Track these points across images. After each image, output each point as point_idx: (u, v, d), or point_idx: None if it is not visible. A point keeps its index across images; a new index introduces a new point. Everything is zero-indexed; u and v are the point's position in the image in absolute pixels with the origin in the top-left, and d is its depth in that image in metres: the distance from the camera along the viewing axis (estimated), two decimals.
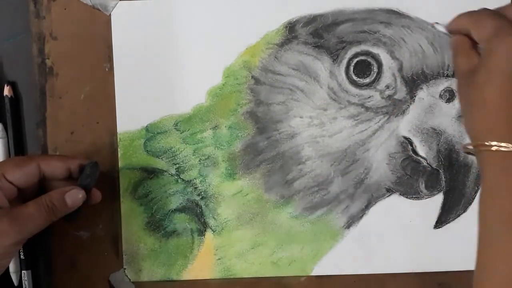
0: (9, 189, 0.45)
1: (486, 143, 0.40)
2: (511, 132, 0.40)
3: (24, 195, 0.47)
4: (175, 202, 0.52)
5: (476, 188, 0.51)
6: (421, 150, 0.51)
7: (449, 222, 0.52)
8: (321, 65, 0.51)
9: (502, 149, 0.40)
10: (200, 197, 0.52)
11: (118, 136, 0.52)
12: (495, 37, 0.41)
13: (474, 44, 0.44)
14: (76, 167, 0.48)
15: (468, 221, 0.51)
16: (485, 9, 0.44)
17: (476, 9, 0.50)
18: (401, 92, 0.51)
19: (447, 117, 0.51)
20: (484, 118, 0.41)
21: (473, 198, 0.51)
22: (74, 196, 0.46)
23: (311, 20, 0.51)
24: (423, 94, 0.51)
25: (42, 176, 0.47)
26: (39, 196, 0.46)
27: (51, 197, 0.46)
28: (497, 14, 0.43)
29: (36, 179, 0.47)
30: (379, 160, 0.51)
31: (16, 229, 0.43)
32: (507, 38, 0.40)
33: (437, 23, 0.47)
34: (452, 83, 0.51)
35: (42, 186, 0.48)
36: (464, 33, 0.44)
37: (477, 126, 0.42)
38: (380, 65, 0.51)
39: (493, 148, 0.40)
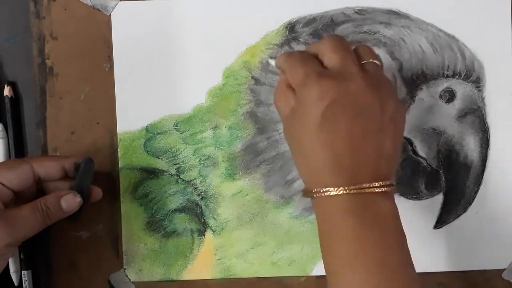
0: (2, 191, 0.45)
1: (312, 190, 0.41)
2: (331, 177, 0.41)
3: (22, 199, 0.47)
4: (175, 202, 0.52)
5: (476, 189, 0.51)
6: (421, 150, 0.51)
7: (449, 223, 0.52)
8: None
9: (326, 194, 0.40)
10: (200, 197, 0.52)
11: (118, 136, 0.52)
12: (303, 87, 0.42)
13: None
14: (70, 166, 0.47)
15: (468, 222, 0.52)
16: (298, 54, 0.44)
17: (468, 9, 0.51)
18: (401, 93, 0.51)
19: (447, 118, 0.51)
20: (304, 165, 0.43)
21: (473, 199, 0.51)
22: (70, 201, 0.46)
23: (311, 20, 0.51)
24: (423, 95, 0.51)
25: (38, 178, 0.47)
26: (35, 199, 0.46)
27: (46, 200, 0.45)
28: (306, 59, 0.43)
29: (31, 181, 0.46)
30: None
31: (8, 231, 0.43)
32: (312, 87, 0.41)
33: (271, 57, 0.50)
34: (452, 84, 0.51)
35: (40, 189, 0.48)
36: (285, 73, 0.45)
37: (302, 173, 0.43)
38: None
39: (317, 195, 0.41)
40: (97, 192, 0.49)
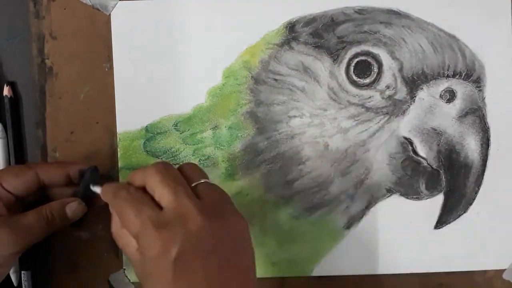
0: (7, 198, 0.45)
1: None
2: None
3: (25, 204, 0.47)
4: None
5: (477, 189, 0.51)
6: (422, 150, 0.51)
7: (449, 223, 0.52)
8: (321, 65, 0.51)
9: None
10: None
11: (118, 136, 0.52)
12: (142, 240, 0.39)
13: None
14: (75, 173, 0.47)
15: (469, 222, 0.51)
16: (125, 193, 0.41)
17: (469, 8, 0.51)
18: (402, 92, 0.51)
19: (448, 118, 0.51)
20: None
21: (474, 199, 0.51)
22: (75, 208, 0.46)
23: (311, 20, 0.51)
24: (424, 94, 0.51)
25: (42, 184, 0.47)
26: (39, 205, 0.46)
27: (52, 208, 0.45)
28: (136, 202, 0.40)
29: (36, 187, 0.46)
30: (380, 161, 0.51)
31: (14, 239, 0.43)
32: (153, 243, 0.38)
33: (93, 184, 0.46)
34: (453, 83, 0.50)
35: (43, 194, 0.48)
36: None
37: None
38: (380, 65, 0.51)
39: None
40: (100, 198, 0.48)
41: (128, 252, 0.41)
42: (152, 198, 0.41)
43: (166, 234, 0.38)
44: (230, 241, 0.40)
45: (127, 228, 0.40)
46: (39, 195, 0.48)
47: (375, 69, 0.51)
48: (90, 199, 0.47)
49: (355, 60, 0.51)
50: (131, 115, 0.52)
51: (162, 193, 0.40)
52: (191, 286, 0.38)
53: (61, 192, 0.48)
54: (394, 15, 0.51)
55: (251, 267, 0.41)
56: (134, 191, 0.41)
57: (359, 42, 0.51)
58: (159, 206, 0.40)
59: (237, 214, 0.42)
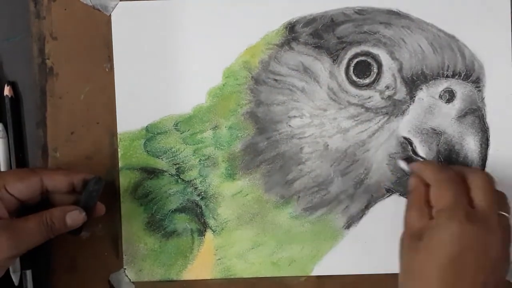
0: (9, 201, 0.45)
1: None
2: None
3: (24, 206, 0.47)
4: (175, 202, 0.52)
5: None
6: (421, 150, 0.51)
7: None
8: (321, 66, 0.51)
9: None
10: (200, 197, 0.52)
11: (118, 136, 0.52)
12: (446, 216, 0.43)
13: (428, 198, 0.45)
14: (79, 182, 0.48)
15: None
16: (450, 173, 0.45)
17: (469, 9, 0.51)
18: (401, 93, 0.51)
19: (447, 118, 0.51)
20: None
21: None
22: (75, 217, 0.46)
23: (311, 20, 0.51)
24: (423, 95, 0.51)
25: (45, 190, 0.47)
26: (39, 210, 0.46)
27: (52, 215, 0.45)
28: (459, 188, 0.44)
29: (38, 192, 0.47)
30: (379, 161, 0.51)
31: (13, 244, 0.43)
32: (455, 225, 0.42)
33: (402, 159, 0.50)
34: (452, 84, 0.51)
35: (44, 197, 0.48)
36: (425, 183, 0.46)
37: None
38: (380, 65, 0.51)
39: None
40: (101, 208, 0.49)
41: (412, 225, 0.45)
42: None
43: (470, 227, 0.42)
44: (501, 271, 0.43)
45: (438, 200, 0.44)
46: (40, 199, 0.48)
47: (375, 70, 0.51)
48: (90, 208, 0.47)
49: (355, 61, 0.51)
50: (131, 115, 0.52)
51: (482, 197, 0.44)
52: (456, 281, 0.41)
53: (62, 199, 0.48)
54: (393, 16, 0.51)
55: None
56: (459, 179, 0.45)
57: (359, 43, 0.51)
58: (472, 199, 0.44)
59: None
